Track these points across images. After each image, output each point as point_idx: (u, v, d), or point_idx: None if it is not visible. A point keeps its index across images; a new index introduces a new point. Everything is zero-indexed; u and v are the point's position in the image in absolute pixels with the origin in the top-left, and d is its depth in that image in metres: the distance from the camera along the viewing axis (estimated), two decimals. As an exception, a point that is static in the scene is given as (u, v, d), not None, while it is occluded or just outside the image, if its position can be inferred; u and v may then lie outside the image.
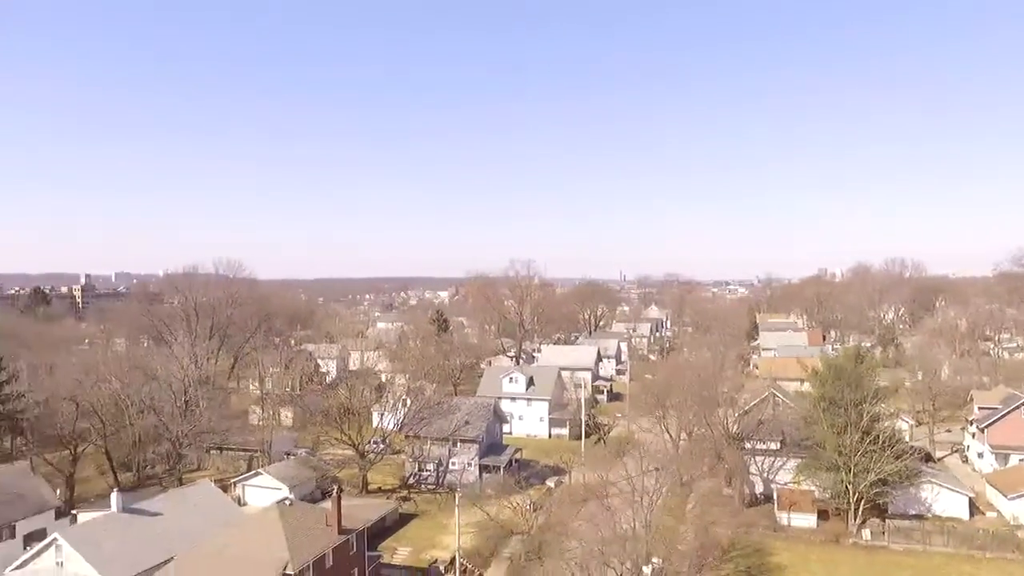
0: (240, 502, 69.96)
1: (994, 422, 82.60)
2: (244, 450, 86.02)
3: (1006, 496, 69.08)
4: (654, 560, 47.23)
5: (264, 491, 70.38)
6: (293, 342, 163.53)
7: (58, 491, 66.66)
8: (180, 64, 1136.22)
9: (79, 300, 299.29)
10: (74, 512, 61.99)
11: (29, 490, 58.88)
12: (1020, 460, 79.33)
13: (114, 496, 53.33)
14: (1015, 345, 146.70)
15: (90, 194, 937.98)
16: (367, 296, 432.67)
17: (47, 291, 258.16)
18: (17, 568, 47.72)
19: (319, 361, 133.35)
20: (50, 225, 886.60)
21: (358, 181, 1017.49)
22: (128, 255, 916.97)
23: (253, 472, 75.09)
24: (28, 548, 50.30)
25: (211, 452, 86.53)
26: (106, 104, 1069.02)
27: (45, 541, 48.16)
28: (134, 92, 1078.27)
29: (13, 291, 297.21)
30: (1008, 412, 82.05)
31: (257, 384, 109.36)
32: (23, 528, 55.82)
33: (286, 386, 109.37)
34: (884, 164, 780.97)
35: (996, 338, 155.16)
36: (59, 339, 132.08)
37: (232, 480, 75.29)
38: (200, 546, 47.18)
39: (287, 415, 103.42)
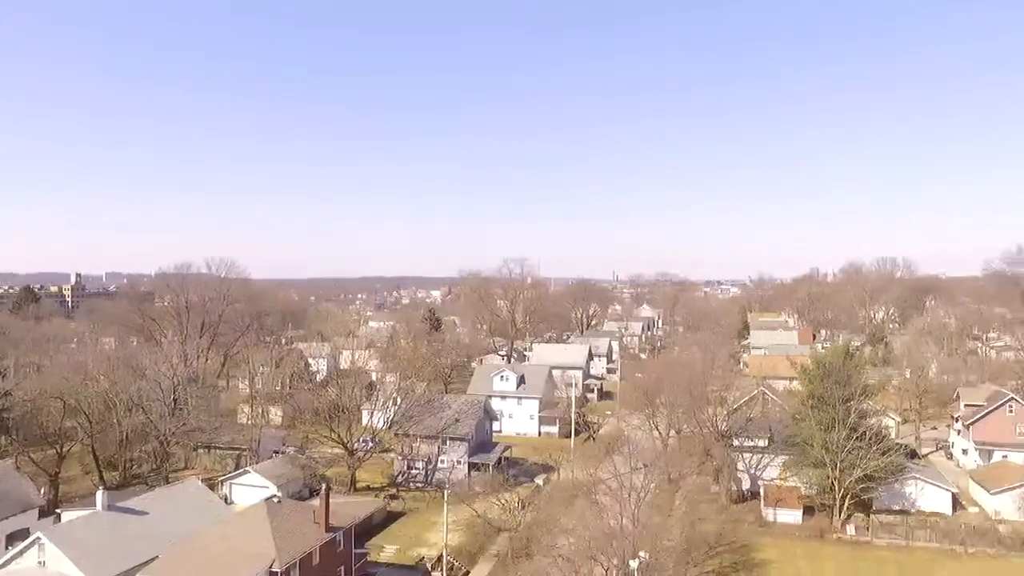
0: (227, 500, 69.78)
1: (979, 419, 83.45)
2: (232, 448, 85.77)
3: (989, 491, 69.75)
4: (641, 555, 47.33)
5: (252, 489, 70.25)
6: (284, 341, 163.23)
7: (42, 490, 66.57)
8: (169, 61, 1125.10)
9: (68, 299, 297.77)
10: (58, 511, 61.62)
11: (12, 489, 58.64)
12: (1003, 456, 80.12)
13: (99, 495, 53.14)
14: (1002, 344, 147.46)
15: (81, 193, 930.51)
16: (359, 295, 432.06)
17: (36, 290, 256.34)
18: None
19: (310, 360, 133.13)
20: (40, 225, 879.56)
21: (351, 180, 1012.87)
22: (120, 255, 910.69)
23: (241, 470, 74.98)
24: (11, 547, 50.07)
25: (199, 451, 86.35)
26: (93, 102, 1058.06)
27: (28, 540, 47.86)
28: (122, 89, 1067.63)
29: (2, 290, 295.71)
30: (993, 410, 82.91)
31: (247, 382, 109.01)
32: (6, 528, 55.64)
33: (276, 385, 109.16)
34: (877, 164, 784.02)
35: (984, 337, 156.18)
36: (48, 338, 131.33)
37: (220, 478, 75.15)
38: (186, 544, 47.10)
39: (276, 413, 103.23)
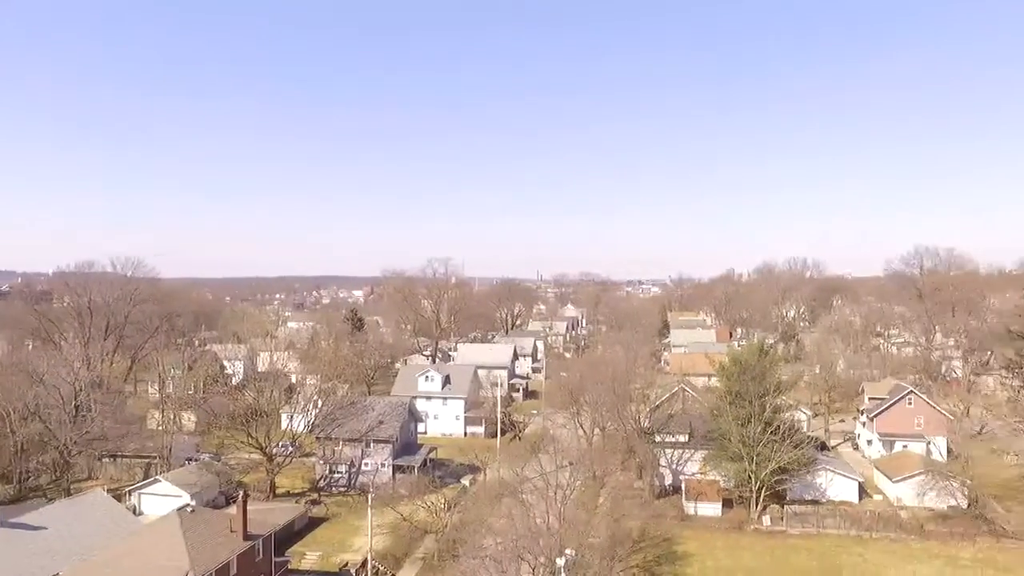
0: (136, 511, 66.13)
1: (882, 411, 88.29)
2: (141, 457, 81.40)
3: (891, 479, 73.86)
4: (567, 552, 47.53)
5: (163, 499, 66.73)
6: (197, 342, 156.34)
7: (-74, 506, 61.12)
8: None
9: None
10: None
11: None
12: (904, 446, 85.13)
13: (-10, 510, 49.30)
14: (902, 340, 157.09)
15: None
16: (277, 295, 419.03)
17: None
18: None
19: (225, 362, 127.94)
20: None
21: (268, 178, 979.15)
22: (12, 252, 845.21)
23: (151, 479, 71.19)
24: None
25: (104, 460, 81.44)
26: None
27: (-93, 561, 43.93)
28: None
29: None
30: (894, 402, 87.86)
31: (157, 387, 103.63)
32: None
33: (189, 389, 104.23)
34: (787, 167, 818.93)
35: (886, 334, 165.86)
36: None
37: (127, 488, 71.13)
38: (90, 559, 44.26)
39: (190, 419, 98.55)
